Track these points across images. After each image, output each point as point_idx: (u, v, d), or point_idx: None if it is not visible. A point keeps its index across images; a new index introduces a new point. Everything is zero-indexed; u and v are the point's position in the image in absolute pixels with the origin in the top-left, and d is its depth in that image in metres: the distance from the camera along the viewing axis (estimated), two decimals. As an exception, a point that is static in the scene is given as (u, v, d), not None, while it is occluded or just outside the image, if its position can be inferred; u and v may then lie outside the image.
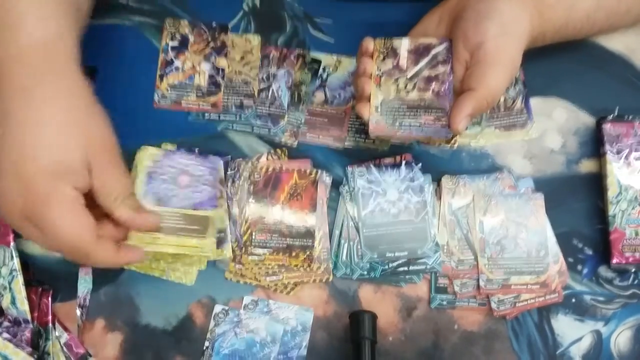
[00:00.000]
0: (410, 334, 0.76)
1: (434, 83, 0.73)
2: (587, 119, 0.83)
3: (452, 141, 0.82)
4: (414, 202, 0.78)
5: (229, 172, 0.80)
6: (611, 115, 0.82)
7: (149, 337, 0.76)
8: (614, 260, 0.77)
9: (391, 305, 0.77)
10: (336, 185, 0.80)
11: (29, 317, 0.74)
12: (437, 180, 0.80)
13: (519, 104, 0.83)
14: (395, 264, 0.77)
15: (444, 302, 0.77)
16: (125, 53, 0.85)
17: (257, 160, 0.81)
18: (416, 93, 0.73)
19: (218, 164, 0.79)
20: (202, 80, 0.84)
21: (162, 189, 0.75)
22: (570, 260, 0.78)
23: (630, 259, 0.76)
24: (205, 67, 0.84)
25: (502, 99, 0.83)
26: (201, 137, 0.82)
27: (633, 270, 0.78)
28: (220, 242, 0.77)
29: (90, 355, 0.75)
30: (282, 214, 0.79)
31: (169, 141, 0.81)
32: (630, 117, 0.81)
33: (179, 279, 0.77)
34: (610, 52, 0.86)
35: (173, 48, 0.85)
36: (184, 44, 0.85)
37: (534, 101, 0.84)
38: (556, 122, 0.83)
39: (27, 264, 0.77)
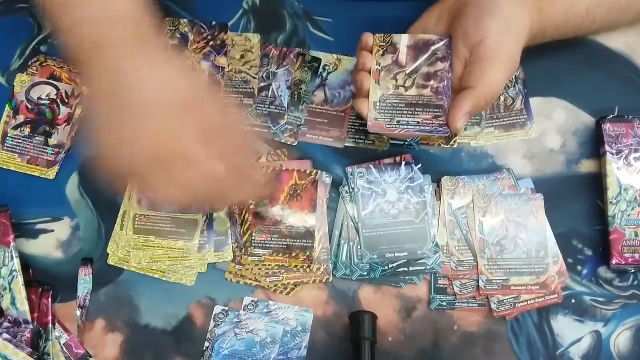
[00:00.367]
0: (410, 335, 0.76)
1: (432, 80, 0.73)
2: (587, 119, 0.83)
3: (452, 141, 0.82)
4: (414, 202, 0.78)
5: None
6: (611, 116, 0.82)
7: (149, 338, 0.77)
8: (614, 261, 0.77)
9: (391, 306, 0.77)
10: (336, 185, 0.80)
11: (29, 317, 0.74)
12: (437, 181, 0.80)
13: (519, 104, 0.83)
14: (395, 264, 0.77)
15: (444, 303, 0.77)
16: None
17: (257, 160, 0.81)
18: (415, 90, 0.73)
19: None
20: (202, 80, 0.83)
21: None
22: (570, 261, 0.78)
23: (630, 260, 0.77)
24: (205, 66, 0.84)
25: (502, 99, 0.83)
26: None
27: (633, 271, 0.78)
28: (220, 245, 0.77)
29: (91, 356, 0.75)
30: (282, 214, 0.78)
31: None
32: (631, 117, 0.81)
33: (179, 280, 0.77)
34: (611, 51, 0.85)
35: (173, 47, 0.84)
36: (183, 43, 0.85)
37: (534, 101, 0.83)
38: (556, 122, 0.83)
39: (27, 264, 0.77)
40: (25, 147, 0.81)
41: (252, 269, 0.77)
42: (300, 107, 0.83)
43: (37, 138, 0.82)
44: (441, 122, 0.72)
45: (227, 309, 0.77)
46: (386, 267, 0.77)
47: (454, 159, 0.82)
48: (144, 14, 0.64)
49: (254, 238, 0.78)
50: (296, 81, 0.84)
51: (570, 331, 0.77)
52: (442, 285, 0.77)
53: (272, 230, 0.78)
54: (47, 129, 0.82)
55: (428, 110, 0.72)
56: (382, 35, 0.75)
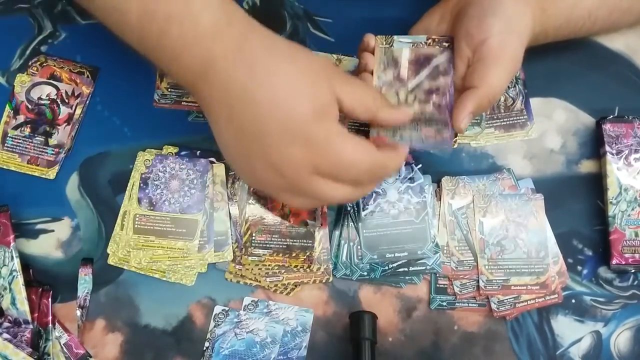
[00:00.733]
0: (410, 335, 0.76)
1: (434, 95, 0.71)
2: (587, 120, 0.83)
3: (452, 141, 0.82)
4: (414, 202, 0.78)
5: (230, 173, 0.80)
6: (611, 116, 0.82)
7: (149, 338, 0.76)
8: (614, 261, 0.77)
9: (391, 305, 0.77)
10: (336, 185, 0.80)
11: (29, 317, 0.74)
12: (437, 181, 0.80)
13: (519, 104, 0.83)
14: (395, 264, 0.77)
15: (444, 303, 0.77)
16: (126, 53, 0.85)
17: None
18: (417, 105, 0.71)
19: (208, 167, 0.80)
20: (202, 80, 0.83)
21: (157, 194, 0.78)
22: (570, 261, 0.78)
23: (630, 260, 0.77)
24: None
25: (502, 99, 0.83)
26: (201, 137, 0.82)
27: (633, 271, 0.78)
28: (220, 245, 0.77)
29: (90, 356, 0.75)
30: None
31: (170, 142, 0.81)
32: (631, 117, 0.81)
33: (179, 280, 0.77)
34: (611, 51, 0.86)
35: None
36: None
37: (534, 101, 0.83)
38: (556, 123, 0.83)
39: (27, 264, 0.77)
40: (25, 147, 0.81)
41: (252, 269, 0.77)
42: (300, 107, 0.83)
43: (37, 138, 0.82)
44: (444, 137, 0.70)
45: (227, 309, 0.77)
46: (386, 267, 0.77)
47: (454, 159, 0.82)
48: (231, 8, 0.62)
49: (254, 238, 0.78)
50: (296, 81, 0.84)
51: (570, 331, 0.77)
52: (442, 285, 0.77)
53: (272, 230, 0.78)
54: (47, 129, 0.82)
55: (430, 124, 0.70)
56: (384, 36, 0.75)
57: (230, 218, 0.78)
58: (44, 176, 0.81)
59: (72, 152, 0.82)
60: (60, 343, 0.75)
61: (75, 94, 0.83)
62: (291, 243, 0.78)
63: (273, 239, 0.78)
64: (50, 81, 0.84)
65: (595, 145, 0.82)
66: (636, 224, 0.77)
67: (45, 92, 0.83)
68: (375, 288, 0.78)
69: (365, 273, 0.77)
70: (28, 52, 0.86)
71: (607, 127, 0.80)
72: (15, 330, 0.73)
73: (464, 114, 0.69)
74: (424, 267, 0.77)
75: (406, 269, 0.77)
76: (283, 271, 0.77)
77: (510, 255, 0.77)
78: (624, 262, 0.77)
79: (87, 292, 0.77)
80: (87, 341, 0.76)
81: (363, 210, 0.78)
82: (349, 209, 0.78)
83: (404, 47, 0.74)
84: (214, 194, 0.79)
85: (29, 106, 0.83)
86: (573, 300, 0.78)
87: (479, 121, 0.82)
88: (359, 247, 0.77)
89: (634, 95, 0.84)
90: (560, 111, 0.83)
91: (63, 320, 0.76)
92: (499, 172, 0.80)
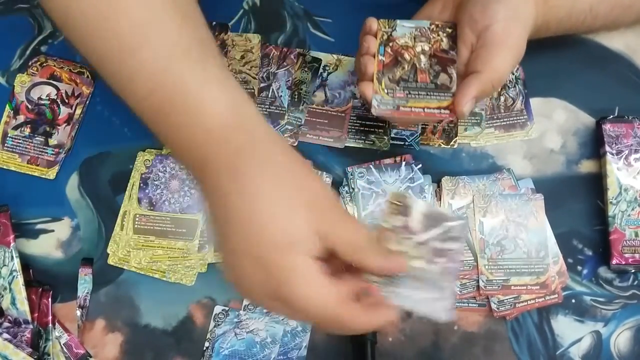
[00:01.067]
0: (410, 335, 0.76)
1: (442, 258, 0.62)
2: (587, 119, 0.83)
3: (452, 141, 0.82)
4: (414, 202, 0.78)
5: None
6: (611, 116, 0.82)
7: (149, 338, 0.76)
8: (614, 261, 0.77)
9: (391, 305, 0.77)
10: (336, 185, 0.80)
11: (29, 317, 0.74)
12: (437, 181, 0.80)
13: (519, 104, 0.83)
14: (395, 264, 0.77)
15: (444, 303, 0.77)
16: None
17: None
18: (422, 262, 0.62)
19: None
20: (202, 80, 0.83)
21: (157, 194, 0.78)
22: (570, 261, 0.78)
23: (630, 260, 0.77)
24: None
25: (502, 99, 0.83)
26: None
27: (633, 271, 0.78)
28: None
29: (90, 356, 0.75)
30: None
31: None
32: (631, 117, 0.81)
33: (179, 280, 0.77)
34: (611, 51, 0.86)
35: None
36: (183, 44, 0.85)
37: (534, 101, 0.83)
38: (556, 123, 0.83)
39: (27, 264, 0.77)
40: (25, 147, 0.81)
41: (252, 269, 0.77)
42: (300, 108, 0.83)
43: (37, 138, 0.82)
44: (444, 305, 0.61)
45: (227, 308, 0.77)
46: (386, 267, 0.77)
47: (454, 159, 0.82)
48: (238, 103, 0.60)
49: (254, 238, 0.78)
50: (296, 81, 0.84)
51: (570, 331, 0.77)
52: (442, 285, 0.77)
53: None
54: (47, 129, 0.82)
55: (433, 288, 0.62)
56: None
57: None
58: (44, 176, 0.81)
59: (72, 152, 0.82)
60: (60, 343, 0.75)
61: (75, 94, 0.83)
62: (291, 243, 0.77)
63: (273, 239, 0.77)
64: (50, 81, 0.84)
65: (595, 145, 0.82)
66: (636, 224, 0.77)
67: (45, 92, 0.83)
68: (375, 288, 0.78)
69: (365, 273, 0.77)
70: (28, 52, 0.86)
71: (607, 127, 0.80)
72: (15, 330, 0.73)
73: (467, 98, 0.69)
74: (424, 267, 0.77)
75: (406, 269, 0.77)
76: (283, 271, 0.77)
77: (510, 255, 0.77)
78: (624, 262, 0.77)
79: (87, 292, 0.77)
80: (87, 341, 0.76)
81: (363, 210, 0.78)
82: (348, 209, 0.78)
83: (418, 200, 0.66)
84: (214, 194, 0.79)
85: (29, 106, 0.83)
86: (573, 300, 0.78)
87: (479, 121, 0.82)
88: (359, 247, 0.77)
89: (634, 95, 0.84)
90: (560, 111, 0.84)
91: (63, 320, 0.76)
92: (499, 172, 0.80)
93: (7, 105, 0.83)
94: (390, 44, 0.73)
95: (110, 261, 0.78)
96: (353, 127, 0.83)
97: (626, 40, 0.86)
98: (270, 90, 0.84)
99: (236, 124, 0.58)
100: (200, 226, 0.78)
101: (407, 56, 0.73)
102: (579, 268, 0.79)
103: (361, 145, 0.82)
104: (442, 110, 0.71)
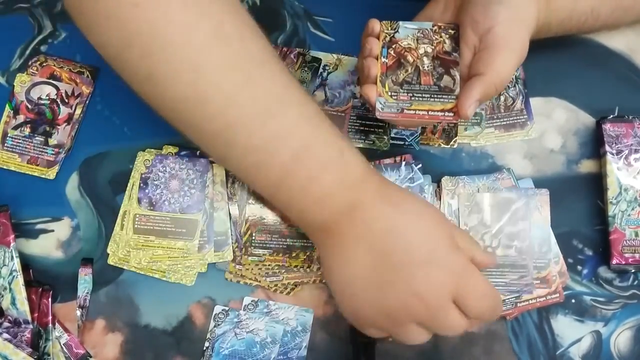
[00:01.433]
0: (410, 335, 0.76)
1: (516, 240, 0.77)
2: (587, 119, 0.83)
3: (452, 141, 0.82)
4: (414, 202, 0.78)
5: (230, 173, 0.80)
6: (611, 116, 0.82)
7: (149, 338, 0.76)
8: (614, 261, 0.77)
9: (391, 305, 0.77)
10: (336, 185, 0.80)
11: (29, 317, 0.74)
12: (437, 181, 0.80)
13: (519, 104, 0.83)
14: (395, 264, 0.77)
15: (444, 303, 0.77)
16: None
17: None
18: (500, 250, 0.78)
19: (208, 167, 0.80)
20: (201, 80, 0.83)
21: (157, 194, 0.78)
22: (570, 260, 0.78)
23: (630, 260, 0.77)
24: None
25: (502, 99, 0.83)
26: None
27: (633, 271, 0.78)
28: (220, 245, 0.77)
29: (90, 356, 0.75)
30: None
31: (170, 142, 0.81)
32: (631, 117, 0.81)
33: (179, 280, 0.77)
34: (611, 51, 0.85)
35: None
36: (183, 43, 0.84)
37: (534, 101, 0.83)
38: (556, 122, 0.83)
39: (27, 264, 0.77)
40: (25, 147, 0.81)
41: (252, 269, 0.77)
42: (300, 107, 0.83)
43: (37, 138, 0.82)
44: (527, 283, 0.75)
45: (227, 308, 0.77)
46: (386, 267, 0.77)
47: (454, 159, 0.82)
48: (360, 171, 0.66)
49: (254, 238, 0.78)
50: (296, 81, 0.84)
51: (570, 331, 0.77)
52: (442, 285, 0.77)
53: (272, 230, 0.78)
54: (47, 129, 0.82)
55: (513, 270, 0.76)
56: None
57: (230, 218, 0.78)
58: (44, 176, 0.81)
59: (72, 152, 0.82)
60: (60, 343, 0.75)
61: (75, 94, 0.83)
62: (291, 243, 0.78)
63: (273, 239, 0.78)
64: (50, 81, 0.84)
65: (595, 145, 0.82)
66: (636, 223, 0.77)
67: (45, 92, 0.83)
68: (375, 288, 0.78)
69: (365, 273, 0.77)
70: (28, 52, 0.86)
71: (607, 127, 0.80)
72: (15, 330, 0.73)
73: (471, 101, 0.69)
74: (424, 267, 0.77)
75: (406, 269, 0.77)
76: (283, 271, 0.77)
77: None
78: (624, 262, 0.77)
79: (87, 292, 0.77)
80: (87, 341, 0.76)
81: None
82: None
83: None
84: (214, 193, 0.79)
85: (29, 106, 0.83)
86: (573, 300, 0.78)
87: (479, 121, 0.82)
88: (359, 247, 0.77)
89: (634, 95, 0.84)
90: (560, 111, 0.83)
91: (63, 320, 0.76)
92: (499, 172, 0.80)
93: (7, 105, 0.83)
94: (393, 46, 0.73)
95: (110, 261, 0.78)
96: (353, 127, 0.83)
97: (626, 40, 0.86)
98: (270, 90, 0.84)
99: (368, 166, 0.67)
100: (200, 226, 0.78)
101: (410, 58, 0.72)
102: (579, 268, 0.79)
103: (361, 145, 0.82)
104: (446, 113, 0.71)
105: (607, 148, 0.79)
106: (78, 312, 0.76)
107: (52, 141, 0.82)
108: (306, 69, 0.85)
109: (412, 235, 0.63)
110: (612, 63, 0.85)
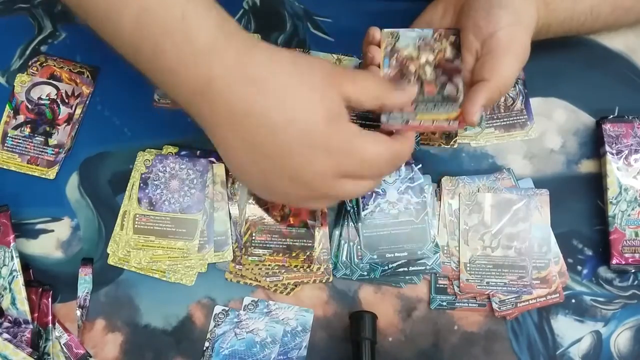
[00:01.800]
0: (410, 335, 0.76)
1: (516, 241, 0.77)
2: (587, 119, 0.83)
3: (452, 141, 0.82)
4: (414, 202, 0.78)
5: (230, 173, 0.80)
6: (611, 116, 0.82)
7: (149, 338, 0.76)
8: (614, 261, 0.77)
9: (391, 305, 0.77)
10: (336, 185, 0.80)
11: (29, 317, 0.74)
12: (437, 181, 0.80)
13: (519, 104, 0.83)
14: (395, 264, 0.77)
15: (444, 303, 0.77)
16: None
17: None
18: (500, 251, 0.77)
19: (208, 167, 0.80)
20: (201, 80, 0.83)
21: (157, 194, 0.78)
22: (570, 261, 0.78)
23: (630, 260, 0.77)
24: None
25: (502, 99, 0.83)
26: (201, 137, 0.81)
27: (633, 271, 0.78)
28: (220, 245, 0.77)
29: (90, 356, 0.75)
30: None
31: (170, 142, 0.81)
32: (631, 117, 0.81)
33: (179, 280, 0.77)
34: (611, 51, 0.86)
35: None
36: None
37: (534, 101, 0.84)
38: (556, 123, 0.83)
39: (27, 264, 0.77)
40: (25, 147, 0.81)
41: (252, 269, 0.77)
42: (300, 107, 0.83)
43: (37, 138, 0.82)
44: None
45: (227, 308, 0.77)
46: (386, 267, 0.77)
47: (454, 159, 0.82)
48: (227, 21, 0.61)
49: (254, 238, 0.78)
50: (296, 81, 0.84)
51: (570, 331, 0.77)
52: (442, 285, 0.77)
53: (272, 230, 0.78)
54: (47, 129, 0.82)
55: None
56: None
57: (230, 218, 0.78)
58: (44, 176, 0.81)
59: (72, 152, 0.82)
60: (60, 343, 0.75)
61: (75, 94, 0.83)
62: (291, 243, 0.78)
63: (273, 239, 0.78)
64: (50, 81, 0.84)
65: (595, 145, 0.82)
66: (636, 223, 0.77)
67: (45, 92, 0.83)
68: (375, 288, 0.78)
69: (365, 273, 0.77)
70: (28, 52, 0.86)
71: (607, 127, 0.80)
72: (15, 330, 0.73)
73: (477, 108, 0.69)
74: (424, 267, 0.77)
75: (406, 269, 0.77)
76: (283, 271, 0.77)
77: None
78: (624, 262, 0.77)
79: (87, 292, 0.77)
80: (87, 341, 0.76)
81: (363, 210, 0.78)
82: (348, 209, 0.78)
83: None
84: (214, 193, 0.79)
85: (29, 106, 0.83)
86: (573, 300, 0.78)
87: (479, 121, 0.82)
88: (359, 247, 0.77)
89: (634, 95, 0.84)
90: (560, 111, 0.84)
91: (63, 320, 0.76)
92: (499, 172, 0.80)
93: (7, 105, 0.83)
94: (395, 55, 0.73)
95: (110, 261, 0.78)
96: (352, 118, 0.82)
97: (626, 40, 0.86)
98: (270, 90, 0.84)
99: (229, 33, 0.59)
100: (200, 226, 0.78)
101: (412, 68, 0.72)
102: (579, 268, 0.79)
103: (361, 145, 0.82)
104: (451, 122, 0.70)
105: (607, 148, 0.79)
106: (78, 312, 0.76)
107: (52, 141, 0.82)
108: (306, 69, 0.85)
109: (276, 117, 0.59)
110: (612, 63, 0.85)
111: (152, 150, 0.81)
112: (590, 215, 0.80)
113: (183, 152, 0.81)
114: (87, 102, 0.84)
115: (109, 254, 0.78)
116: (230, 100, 0.59)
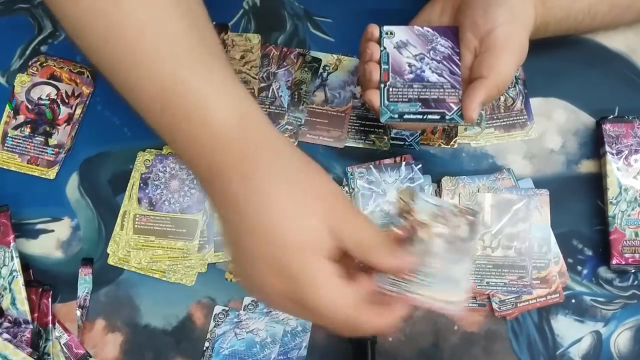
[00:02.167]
0: (410, 335, 0.76)
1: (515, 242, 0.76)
2: (587, 119, 0.83)
3: (452, 141, 0.82)
4: (414, 202, 0.78)
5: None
6: (611, 116, 0.82)
7: (149, 338, 0.76)
8: (614, 261, 0.77)
9: (391, 305, 0.77)
10: (336, 185, 0.80)
11: (29, 317, 0.74)
12: (437, 181, 0.80)
13: (519, 104, 0.83)
14: (395, 264, 0.77)
15: (444, 303, 0.77)
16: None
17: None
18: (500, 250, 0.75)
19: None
20: (201, 80, 0.83)
21: (157, 194, 0.79)
22: (570, 261, 0.78)
23: (630, 260, 0.77)
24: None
25: (502, 99, 0.83)
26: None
27: (633, 271, 0.78)
28: (220, 245, 0.77)
29: (90, 356, 0.75)
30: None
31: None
32: (631, 117, 0.81)
33: (179, 280, 0.77)
34: (610, 51, 0.85)
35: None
36: (183, 44, 0.84)
37: (534, 101, 0.83)
38: (556, 123, 0.83)
39: (27, 264, 0.77)
40: (25, 147, 0.81)
41: (252, 269, 0.77)
42: (300, 107, 0.83)
43: (37, 138, 0.82)
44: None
45: (227, 308, 0.77)
46: (386, 267, 0.77)
47: (454, 159, 0.82)
48: (244, 107, 0.58)
49: (254, 238, 0.77)
50: (296, 81, 0.84)
51: (570, 331, 0.77)
52: (442, 285, 0.77)
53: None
54: (47, 129, 0.82)
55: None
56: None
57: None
58: (44, 176, 0.81)
59: (72, 152, 0.82)
60: (60, 343, 0.75)
61: (75, 94, 0.83)
62: (291, 243, 0.77)
63: (273, 239, 0.77)
64: (50, 81, 0.84)
65: (595, 145, 0.82)
66: (636, 224, 0.77)
67: (45, 92, 0.83)
68: (375, 288, 0.78)
69: (365, 273, 0.77)
70: (28, 52, 0.86)
71: (607, 127, 0.80)
72: (15, 330, 0.73)
73: (475, 105, 0.69)
74: (424, 267, 0.77)
75: (406, 269, 0.77)
76: (283, 271, 0.77)
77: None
78: (624, 262, 0.77)
79: (87, 292, 0.77)
80: (87, 341, 0.76)
81: (363, 210, 0.78)
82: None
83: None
84: (214, 194, 0.79)
85: (29, 106, 0.83)
86: (573, 300, 0.78)
87: (479, 121, 0.82)
88: (359, 247, 0.77)
89: (634, 95, 0.84)
90: (560, 111, 0.83)
91: (63, 320, 0.76)
92: (499, 172, 0.80)
93: (7, 105, 0.83)
94: (409, 217, 0.62)
95: (110, 261, 0.78)
96: (353, 127, 0.83)
97: (626, 40, 0.86)
98: (270, 90, 0.84)
99: (241, 128, 0.57)
100: (200, 226, 0.78)
101: (422, 235, 0.61)
102: (579, 268, 0.79)
103: (361, 145, 0.82)
104: (453, 305, 0.63)
105: (607, 148, 0.79)
106: (78, 312, 0.76)
107: (52, 141, 0.82)
108: (306, 69, 0.85)
109: (255, 223, 0.56)
110: (612, 63, 0.85)
111: (152, 150, 0.81)
112: (590, 216, 0.80)
113: (183, 152, 0.81)
114: (87, 102, 0.84)
115: (109, 254, 0.78)
116: (225, 193, 0.57)
